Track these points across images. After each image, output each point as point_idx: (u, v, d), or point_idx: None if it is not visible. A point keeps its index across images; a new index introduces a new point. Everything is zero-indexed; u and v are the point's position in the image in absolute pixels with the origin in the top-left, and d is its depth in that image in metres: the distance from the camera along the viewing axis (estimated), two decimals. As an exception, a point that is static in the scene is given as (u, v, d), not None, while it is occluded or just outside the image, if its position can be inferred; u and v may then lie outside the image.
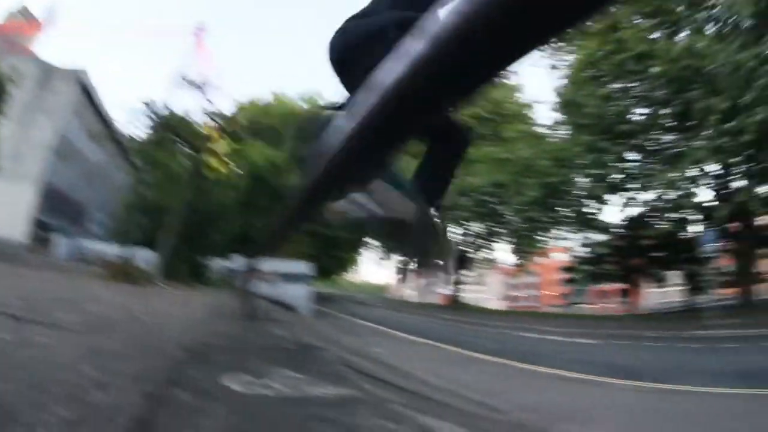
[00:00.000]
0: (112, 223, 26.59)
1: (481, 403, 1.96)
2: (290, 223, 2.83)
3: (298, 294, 17.36)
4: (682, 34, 19.02)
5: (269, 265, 13.95)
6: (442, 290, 45.03)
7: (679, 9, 18.78)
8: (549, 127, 25.63)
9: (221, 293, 10.94)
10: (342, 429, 1.17)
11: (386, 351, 7.98)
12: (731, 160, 17.56)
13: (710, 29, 18.59)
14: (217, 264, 19.68)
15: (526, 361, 8.40)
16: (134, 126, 24.20)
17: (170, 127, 21.44)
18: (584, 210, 23.30)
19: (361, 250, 38.84)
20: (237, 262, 17.33)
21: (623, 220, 24.59)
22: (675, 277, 27.47)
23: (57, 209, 27.81)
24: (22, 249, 19.23)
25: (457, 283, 34.35)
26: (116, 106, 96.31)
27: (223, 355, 2.37)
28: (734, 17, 17.32)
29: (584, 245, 26.83)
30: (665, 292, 30.93)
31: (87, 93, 30.86)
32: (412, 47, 0.69)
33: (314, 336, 4.32)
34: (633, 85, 20.36)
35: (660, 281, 28.35)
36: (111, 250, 19.00)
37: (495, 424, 1.66)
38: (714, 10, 18.44)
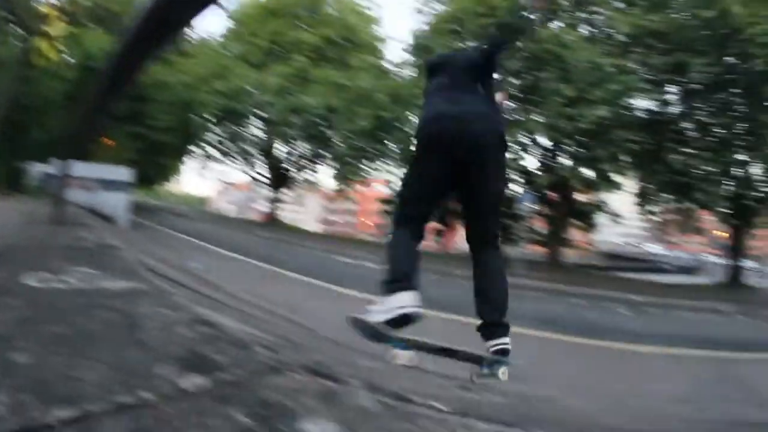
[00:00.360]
0: None
1: (271, 310, 2.21)
2: (92, 112, 2.81)
3: (116, 203, 16.18)
4: (557, 23, 20.28)
5: (88, 170, 12.85)
6: (261, 207, 44.44)
7: (564, 2, 19.97)
8: (396, 65, 25.81)
9: (36, 201, 10.03)
10: (123, 315, 1.33)
11: (199, 264, 8.00)
12: (563, 140, 19.60)
13: (585, 30, 20.19)
14: (36, 169, 17.54)
15: (336, 283, 8.87)
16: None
17: (4, 2, 18.38)
18: (411, 148, 24.29)
19: (184, 158, 36.34)
20: (56, 166, 15.63)
21: None
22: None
23: None
24: None
25: (276, 201, 34.05)
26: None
27: (24, 255, 2.34)
28: (610, 29, 19.07)
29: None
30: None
31: None
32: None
33: (121, 241, 4.29)
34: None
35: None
36: None
37: (271, 324, 1.89)
38: (593, 16, 20.01)
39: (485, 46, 2.61)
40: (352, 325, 2.25)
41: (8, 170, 17.21)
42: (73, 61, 21.37)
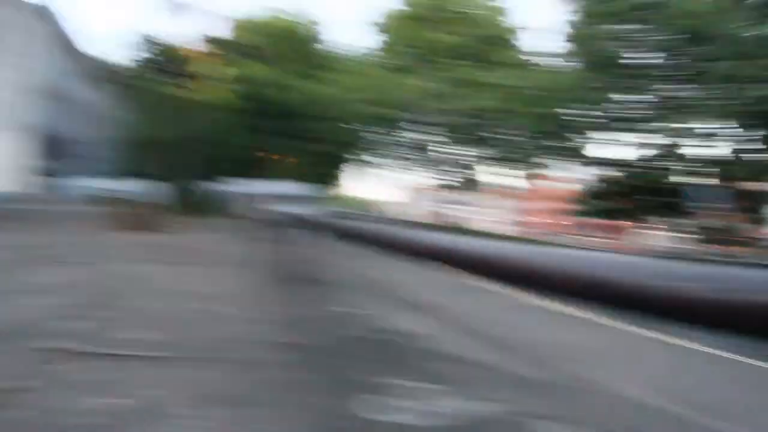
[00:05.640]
0: (110, 160, 25.47)
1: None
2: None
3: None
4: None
5: (271, 187, 13.20)
6: (436, 208, 43.91)
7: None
8: (537, 55, 24.69)
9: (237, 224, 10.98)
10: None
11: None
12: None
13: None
14: (226, 190, 19.12)
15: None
16: (120, 56, 22.57)
17: (159, 54, 20.54)
18: (584, 144, 23.36)
19: (344, 165, 36.76)
20: (244, 186, 17.06)
21: (623, 159, 24.56)
22: (663, 222, 27.82)
23: (52, 152, 24.91)
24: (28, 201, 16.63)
25: (458, 203, 33.69)
26: (97, 36, 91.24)
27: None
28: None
29: (591, 179, 26.62)
30: (654, 236, 31.18)
31: (57, 27, 27.03)
32: None
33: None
34: (637, 27, 19.74)
35: (649, 224, 28.74)
36: (114, 186, 18.58)
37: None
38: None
39: None
40: None
41: (196, 196, 18.61)
42: (234, 93, 22.77)
